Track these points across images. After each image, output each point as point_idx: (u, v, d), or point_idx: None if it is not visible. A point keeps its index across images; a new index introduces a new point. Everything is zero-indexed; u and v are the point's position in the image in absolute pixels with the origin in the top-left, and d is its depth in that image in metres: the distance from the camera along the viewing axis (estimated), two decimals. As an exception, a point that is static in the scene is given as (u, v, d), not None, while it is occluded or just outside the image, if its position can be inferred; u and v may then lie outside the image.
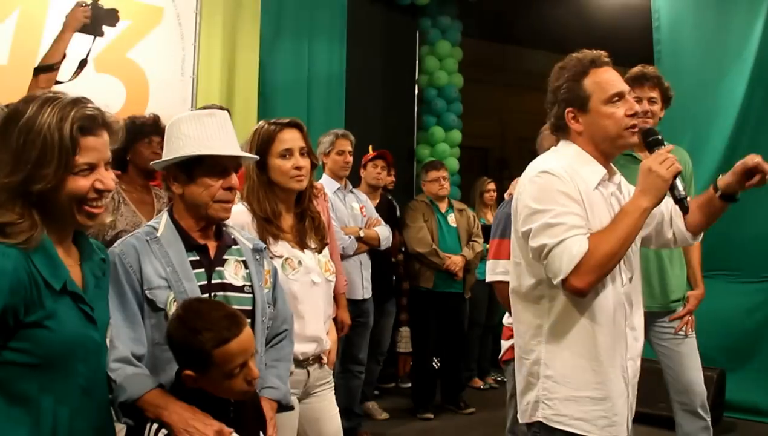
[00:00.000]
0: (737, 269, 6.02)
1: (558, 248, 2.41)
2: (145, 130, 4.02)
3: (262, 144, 3.14)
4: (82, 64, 4.59)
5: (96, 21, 4.33)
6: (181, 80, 6.15)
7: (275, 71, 6.95)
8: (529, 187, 2.56)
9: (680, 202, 2.52)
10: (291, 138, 3.16)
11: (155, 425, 2.25)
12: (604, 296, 2.53)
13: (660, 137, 2.64)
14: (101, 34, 4.50)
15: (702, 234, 2.87)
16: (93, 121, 1.94)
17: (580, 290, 2.43)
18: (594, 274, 2.41)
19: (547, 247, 2.43)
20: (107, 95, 5.23)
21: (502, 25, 9.74)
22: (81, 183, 1.92)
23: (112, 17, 4.41)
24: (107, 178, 1.97)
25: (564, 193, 2.47)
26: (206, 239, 2.60)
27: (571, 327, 2.54)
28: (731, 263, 5.95)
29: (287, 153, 3.12)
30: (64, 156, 1.87)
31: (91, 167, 1.93)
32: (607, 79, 2.60)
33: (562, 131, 2.69)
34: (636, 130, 2.59)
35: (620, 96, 2.58)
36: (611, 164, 2.70)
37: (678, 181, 2.49)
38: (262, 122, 3.24)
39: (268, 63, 6.88)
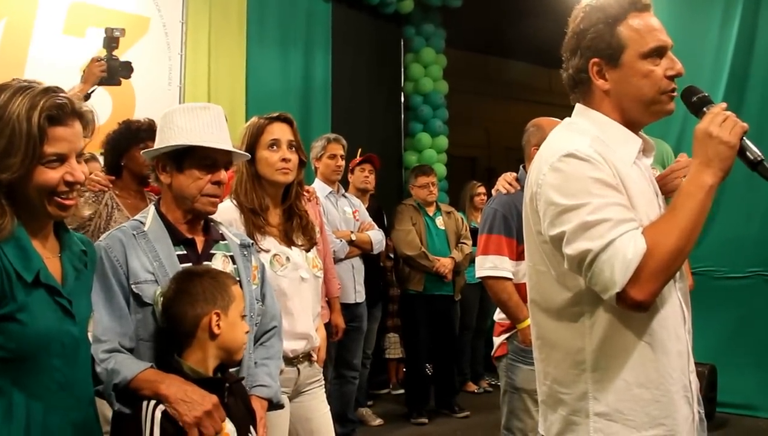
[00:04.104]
0: (723, 265, 6.05)
1: (606, 253, 1.84)
2: (141, 135, 3.90)
3: (252, 136, 3.15)
4: (86, 97, 4.59)
5: (111, 73, 4.34)
6: (168, 90, 6.18)
7: (261, 80, 6.98)
8: (551, 178, 1.99)
9: (760, 166, 1.95)
10: (280, 130, 3.17)
11: (152, 402, 2.24)
12: (661, 302, 1.99)
13: (706, 94, 2.07)
14: (118, 83, 4.52)
15: None
16: (63, 110, 1.89)
17: (642, 303, 1.86)
18: (658, 280, 1.85)
19: (591, 253, 1.86)
20: (93, 105, 5.18)
21: (486, 35, 9.77)
22: (50, 175, 1.88)
23: (126, 69, 4.42)
24: (78, 170, 1.92)
25: (599, 181, 1.93)
26: (194, 232, 2.58)
27: (622, 349, 1.99)
28: (717, 258, 5.98)
29: (275, 144, 3.13)
30: (31, 146, 1.83)
31: (61, 158, 1.89)
32: (649, 26, 2.06)
33: (580, 88, 2.15)
34: (674, 95, 2.07)
35: (662, 51, 2.06)
36: (644, 135, 2.17)
37: (748, 142, 1.95)
38: (252, 118, 3.25)
39: (254, 72, 6.92)
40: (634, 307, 1.86)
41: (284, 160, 3.12)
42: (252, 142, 3.14)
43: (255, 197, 3.12)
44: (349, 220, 5.78)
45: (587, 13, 2.10)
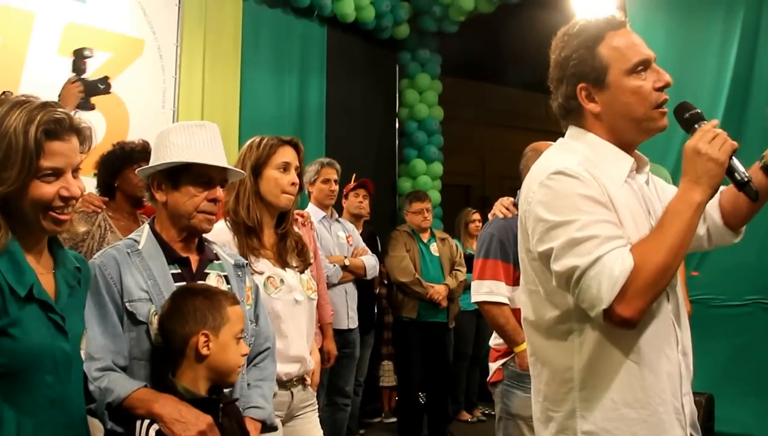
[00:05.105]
0: (721, 293, 6.02)
1: (593, 270, 1.84)
2: (134, 157, 3.87)
3: (261, 155, 3.13)
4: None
5: (89, 92, 4.29)
6: (162, 112, 6.17)
7: (256, 103, 6.99)
8: (540, 195, 2.00)
9: (746, 186, 1.95)
10: (291, 154, 3.17)
11: (146, 422, 2.22)
12: (650, 321, 1.98)
13: (699, 111, 2.05)
14: (96, 96, 4.44)
15: (744, 230, 2.32)
16: (60, 125, 1.88)
17: (629, 320, 1.85)
18: (645, 297, 1.84)
19: (578, 269, 1.86)
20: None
21: (482, 62, 9.79)
22: (45, 189, 1.86)
23: (104, 83, 4.35)
24: (73, 185, 1.91)
25: (588, 198, 1.93)
26: (188, 251, 2.57)
27: (610, 367, 1.98)
28: (715, 286, 5.95)
29: (286, 167, 3.13)
30: (27, 159, 1.82)
31: (57, 173, 1.88)
32: (629, 43, 2.06)
33: (572, 115, 2.14)
34: (666, 110, 2.06)
35: (646, 64, 2.05)
36: (638, 151, 2.16)
37: (737, 162, 1.95)
38: (256, 137, 3.23)
39: (248, 95, 6.93)
40: (621, 324, 1.86)
41: (293, 184, 3.13)
42: (261, 161, 3.12)
43: (257, 215, 3.10)
44: (343, 245, 5.74)
45: (566, 41, 2.11)
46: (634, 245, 1.89)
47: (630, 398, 1.97)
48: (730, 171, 1.94)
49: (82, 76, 4.24)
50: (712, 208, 2.26)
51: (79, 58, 4.28)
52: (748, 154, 1.99)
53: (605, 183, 1.99)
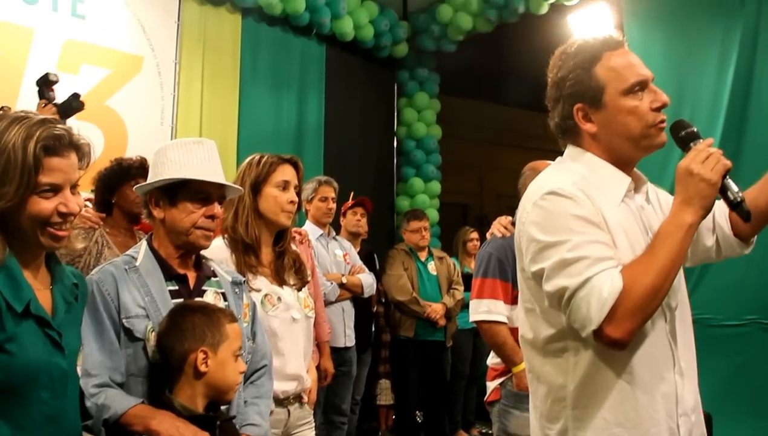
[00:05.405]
0: (719, 313, 6.01)
1: (583, 291, 1.85)
2: (132, 173, 3.90)
3: (261, 172, 3.14)
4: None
5: (64, 113, 4.19)
6: (160, 129, 6.17)
7: (254, 121, 6.98)
8: (533, 215, 2.00)
9: (738, 207, 1.95)
10: (291, 173, 3.18)
11: None
12: (643, 340, 1.97)
13: (695, 130, 2.05)
14: (71, 115, 4.32)
15: (755, 240, 2.28)
16: (59, 141, 1.88)
17: (618, 341, 1.85)
18: (634, 318, 1.83)
19: (567, 290, 1.87)
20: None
21: (480, 81, 9.81)
22: (43, 205, 1.86)
23: (76, 99, 4.21)
24: (72, 201, 1.90)
25: (581, 218, 1.93)
26: (185, 268, 2.57)
27: (602, 386, 1.98)
28: (713, 306, 5.94)
29: (286, 185, 3.14)
30: (26, 175, 1.81)
31: (55, 189, 1.87)
32: (625, 63, 2.06)
33: (569, 135, 2.15)
34: (663, 126, 2.05)
35: (643, 85, 2.04)
36: (636, 170, 2.16)
37: (730, 181, 1.94)
38: (256, 154, 3.24)
39: (247, 112, 6.92)
40: (612, 344, 1.86)
41: (292, 202, 3.14)
42: (260, 178, 3.13)
43: (255, 232, 3.10)
44: (340, 263, 5.73)
45: (563, 61, 2.12)
46: (625, 266, 1.89)
47: (622, 418, 1.97)
48: (723, 191, 1.94)
49: (54, 102, 4.17)
50: (723, 218, 2.24)
51: (46, 86, 4.14)
52: (747, 171, 2.00)
53: (600, 203, 1.99)
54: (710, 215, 2.20)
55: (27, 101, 5.01)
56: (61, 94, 4.11)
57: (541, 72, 2.23)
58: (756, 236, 2.27)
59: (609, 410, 1.97)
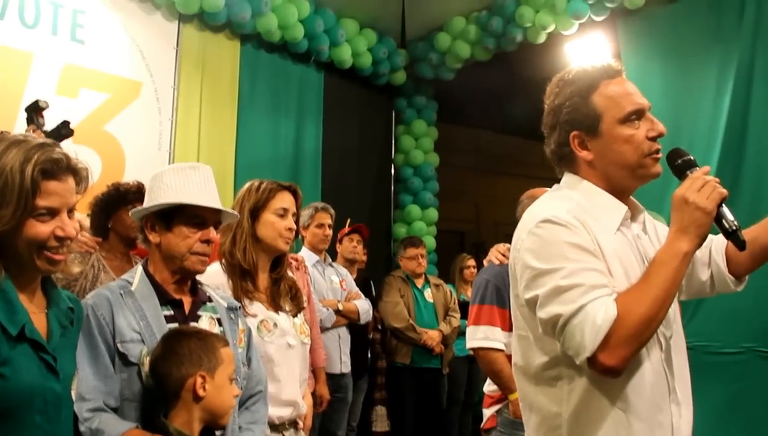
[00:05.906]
0: (716, 340, 6.00)
1: (577, 318, 1.83)
2: (129, 198, 3.91)
3: (260, 199, 3.15)
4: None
5: (55, 140, 4.14)
6: (158, 154, 6.17)
7: (252, 147, 6.97)
8: (528, 242, 1.99)
9: (733, 235, 1.93)
10: (290, 200, 3.20)
11: None
12: (638, 368, 1.96)
13: (691, 158, 2.03)
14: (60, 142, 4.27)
15: (747, 279, 2.28)
16: (57, 165, 1.87)
17: (612, 369, 1.83)
18: (629, 346, 1.81)
19: (562, 317, 1.86)
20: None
21: (478, 109, 9.83)
22: (40, 229, 1.85)
23: (65, 127, 4.22)
24: (69, 225, 1.90)
25: (575, 246, 1.92)
26: (181, 293, 2.57)
27: (597, 415, 1.95)
28: (710, 333, 5.93)
29: (284, 212, 3.15)
30: (23, 198, 1.81)
31: (52, 212, 1.87)
32: (623, 92, 2.06)
33: (566, 162, 2.14)
34: (659, 157, 2.05)
35: (640, 114, 2.04)
36: (633, 199, 2.17)
37: (726, 210, 1.92)
38: (255, 180, 3.24)
39: (244, 138, 6.92)
40: (605, 372, 1.84)
41: (290, 229, 3.14)
42: (259, 204, 3.14)
43: (253, 257, 3.10)
44: (336, 289, 5.72)
45: (561, 88, 2.12)
46: (620, 294, 1.87)
47: None
48: (719, 219, 1.92)
49: (44, 129, 4.15)
50: (719, 254, 2.23)
51: (35, 112, 4.10)
52: (744, 199, 2.00)
53: (596, 231, 1.98)
54: (706, 250, 2.22)
55: (26, 125, 5.02)
56: (59, 118, 4.11)
57: (538, 101, 2.24)
58: (748, 276, 2.26)
59: None
